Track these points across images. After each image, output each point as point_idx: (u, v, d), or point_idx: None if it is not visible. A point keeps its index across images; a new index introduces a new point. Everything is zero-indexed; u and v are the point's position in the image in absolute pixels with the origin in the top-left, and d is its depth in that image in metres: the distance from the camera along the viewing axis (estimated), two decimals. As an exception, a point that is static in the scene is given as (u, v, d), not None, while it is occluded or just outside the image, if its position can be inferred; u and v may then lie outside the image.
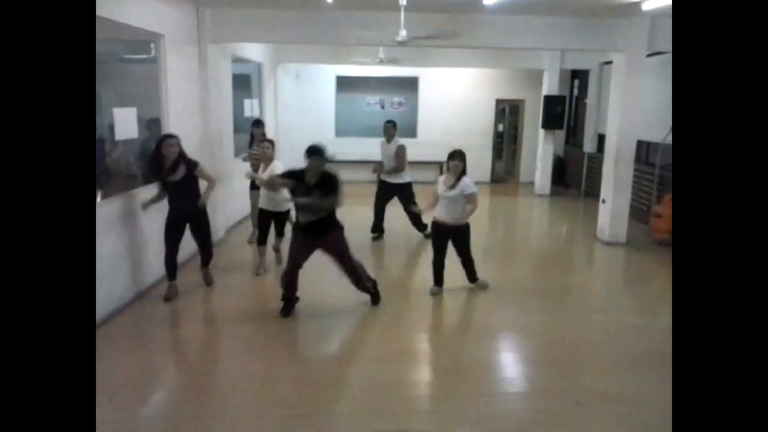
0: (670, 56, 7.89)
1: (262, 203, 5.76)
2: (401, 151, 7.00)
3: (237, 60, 8.16)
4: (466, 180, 5.00)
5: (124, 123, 4.98)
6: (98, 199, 4.81)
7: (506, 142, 13.54)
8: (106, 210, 4.71)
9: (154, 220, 5.52)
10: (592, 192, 10.41)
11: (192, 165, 4.94)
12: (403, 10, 5.72)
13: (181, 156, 4.88)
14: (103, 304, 4.48)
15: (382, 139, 7.24)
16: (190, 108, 6.39)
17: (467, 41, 7.13)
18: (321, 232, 4.54)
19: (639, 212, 8.35)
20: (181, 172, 4.85)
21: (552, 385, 3.75)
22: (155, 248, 5.46)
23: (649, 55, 7.12)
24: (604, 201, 7.57)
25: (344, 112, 12.53)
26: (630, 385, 3.75)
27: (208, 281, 5.38)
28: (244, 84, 9.22)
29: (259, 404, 3.46)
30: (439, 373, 4.04)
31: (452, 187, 4.99)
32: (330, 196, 4.42)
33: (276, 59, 10.24)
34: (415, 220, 7.10)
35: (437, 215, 5.18)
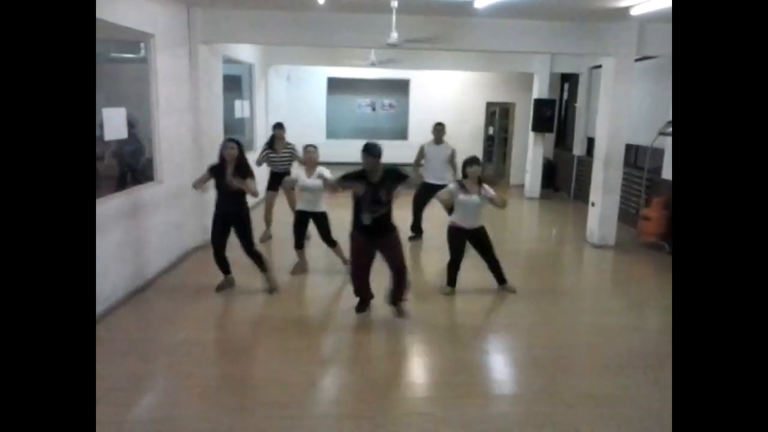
0: (658, 61, 7.98)
1: (300, 205, 5.82)
2: (454, 155, 7.15)
3: (228, 61, 8.14)
4: (486, 186, 5.27)
5: (113, 123, 4.94)
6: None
7: (497, 145, 13.61)
8: (100, 209, 4.67)
9: (148, 219, 5.51)
10: (582, 195, 10.49)
11: (245, 174, 4.95)
12: (394, 12, 5.74)
13: (240, 161, 4.94)
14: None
15: (428, 141, 7.31)
16: (180, 109, 6.36)
17: (458, 44, 7.16)
18: (382, 232, 4.58)
19: (628, 215, 8.42)
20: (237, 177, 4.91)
21: (542, 387, 3.78)
22: (149, 248, 5.44)
23: (637, 60, 7.20)
24: (593, 204, 7.63)
25: (335, 114, 12.54)
26: (619, 386, 3.78)
27: (271, 288, 5.34)
28: (235, 85, 9.19)
29: (250, 406, 3.45)
30: (429, 375, 4.05)
31: (476, 192, 5.21)
32: (402, 183, 4.58)
33: (267, 60, 10.22)
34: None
35: (457, 221, 5.33)
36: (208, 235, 6.86)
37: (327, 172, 5.56)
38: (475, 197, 5.19)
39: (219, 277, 5.38)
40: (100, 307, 4.59)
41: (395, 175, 4.58)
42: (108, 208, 4.86)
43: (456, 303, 5.32)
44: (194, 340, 4.35)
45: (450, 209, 5.59)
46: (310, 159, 5.67)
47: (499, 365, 4.24)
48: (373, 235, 4.59)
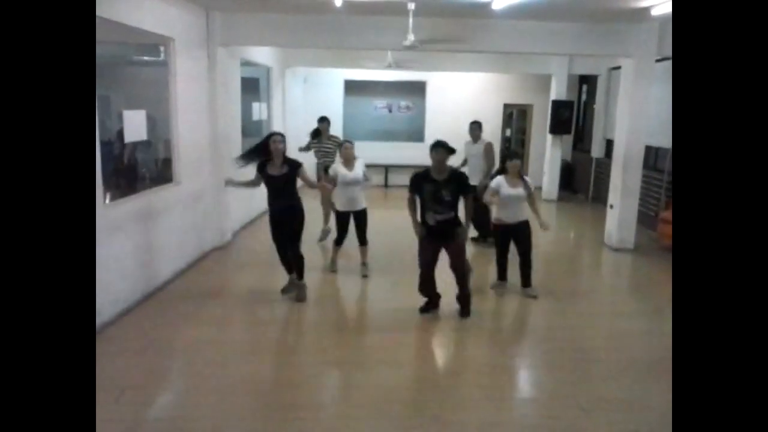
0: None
1: (341, 206, 5.89)
2: (490, 148, 7.15)
3: (246, 63, 8.21)
4: (526, 177, 5.30)
5: (133, 125, 5.02)
6: (107, 201, 4.85)
7: (514, 146, 13.52)
8: (115, 212, 4.75)
9: (167, 221, 5.58)
10: (600, 197, 10.36)
11: (295, 165, 4.96)
12: (411, 14, 5.74)
13: (285, 155, 4.95)
14: (110, 305, 4.52)
15: (467, 141, 7.29)
16: (199, 111, 6.43)
17: (475, 46, 7.14)
18: (448, 232, 4.61)
19: (647, 218, 8.30)
20: (284, 169, 4.89)
21: (557, 391, 3.74)
22: (163, 250, 5.51)
23: (657, 61, 7.10)
24: (612, 206, 7.54)
25: (352, 116, 12.57)
26: (635, 391, 3.73)
27: (300, 297, 5.19)
28: (252, 87, 9.27)
29: (263, 407, 3.47)
30: (443, 377, 4.04)
31: (518, 186, 5.20)
32: (467, 200, 4.62)
33: (284, 63, 10.29)
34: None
35: (502, 217, 5.30)
36: (227, 237, 7.00)
37: (364, 166, 5.83)
38: (519, 190, 5.16)
39: (233, 277, 5.40)
40: (118, 308, 4.66)
41: (462, 180, 4.62)
42: (126, 209, 4.93)
43: (472, 305, 5.29)
44: (211, 340, 4.39)
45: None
46: (348, 154, 5.82)
47: (517, 368, 4.21)
48: (438, 235, 4.62)
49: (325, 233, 7.32)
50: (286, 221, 5.02)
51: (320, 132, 7.49)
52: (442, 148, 4.46)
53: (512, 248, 5.46)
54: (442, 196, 4.45)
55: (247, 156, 5.03)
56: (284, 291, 5.27)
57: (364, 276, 5.91)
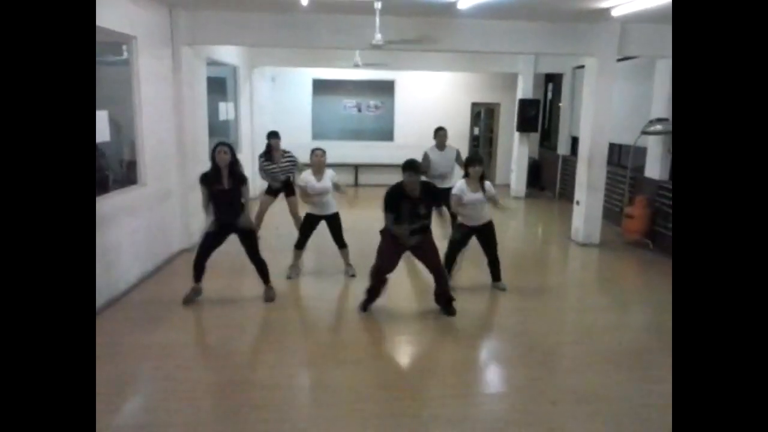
0: (640, 61, 8.08)
1: (311, 209, 5.75)
2: (460, 154, 6.79)
3: (212, 63, 8.09)
4: (487, 183, 5.36)
5: (96, 126, 4.89)
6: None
7: (482, 145, 13.67)
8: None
9: (132, 223, 5.45)
10: (567, 194, 10.57)
11: (241, 179, 4.83)
12: (378, 14, 5.75)
13: (233, 166, 4.78)
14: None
15: (431, 147, 6.81)
16: (164, 111, 6.31)
17: (443, 45, 7.19)
18: (415, 236, 4.70)
19: (612, 214, 8.51)
20: (230, 182, 4.76)
21: (527, 385, 3.80)
22: (127, 254, 5.38)
23: (619, 60, 7.28)
24: (578, 203, 7.70)
25: (321, 116, 12.52)
26: (603, 383, 3.81)
27: (269, 297, 5.21)
28: (219, 87, 9.14)
29: (231, 409, 3.43)
30: (415, 374, 4.06)
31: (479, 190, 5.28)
32: (440, 208, 4.96)
33: (252, 62, 10.18)
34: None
35: (466, 221, 5.41)
36: (195, 238, 6.87)
37: (335, 176, 5.70)
38: (479, 195, 5.24)
39: (202, 279, 5.30)
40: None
41: (433, 192, 4.84)
42: (91, 212, 4.81)
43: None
44: (180, 343, 4.31)
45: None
46: (319, 162, 5.61)
47: (486, 363, 4.26)
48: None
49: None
50: (236, 234, 4.95)
51: (272, 149, 6.84)
52: (413, 171, 4.54)
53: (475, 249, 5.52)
54: (419, 211, 4.63)
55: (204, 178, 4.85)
56: (187, 301, 5.08)
57: (352, 275, 5.85)
